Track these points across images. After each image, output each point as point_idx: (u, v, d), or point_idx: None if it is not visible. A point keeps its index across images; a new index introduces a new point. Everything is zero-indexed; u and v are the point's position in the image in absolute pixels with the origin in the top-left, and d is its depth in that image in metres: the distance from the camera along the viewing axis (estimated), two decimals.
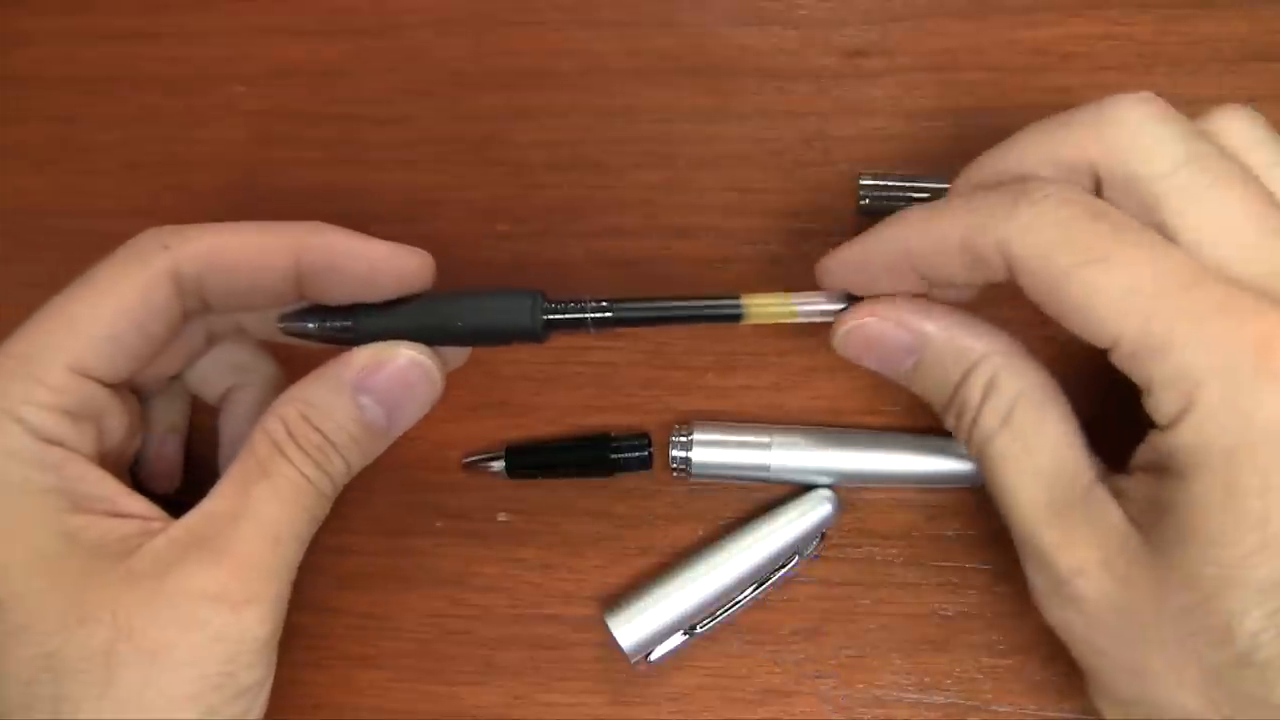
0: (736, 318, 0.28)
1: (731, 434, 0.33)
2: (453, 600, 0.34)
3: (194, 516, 0.26)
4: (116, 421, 0.28)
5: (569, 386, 0.35)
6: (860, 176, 0.34)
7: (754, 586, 0.32)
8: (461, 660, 0.33)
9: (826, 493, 0.32)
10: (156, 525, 0.26)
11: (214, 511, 0.26)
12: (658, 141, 0.36)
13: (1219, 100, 0.34)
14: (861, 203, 0.34)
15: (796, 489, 0.33)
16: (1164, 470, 0.24)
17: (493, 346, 0.31)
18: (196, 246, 0.27)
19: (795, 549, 0.32)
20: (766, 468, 0.32)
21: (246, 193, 0.38)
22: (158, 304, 0.27)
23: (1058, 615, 0.26)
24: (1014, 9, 0.36)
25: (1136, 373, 0.24)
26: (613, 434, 0.34)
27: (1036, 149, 0.26)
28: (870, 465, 0.32)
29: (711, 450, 0.32)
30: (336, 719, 0.33)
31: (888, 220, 0.27)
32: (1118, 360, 0.24)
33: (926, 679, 0.32)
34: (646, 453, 0.33)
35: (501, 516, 0.34)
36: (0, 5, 0.40)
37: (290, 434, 0.27)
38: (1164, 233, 0.24)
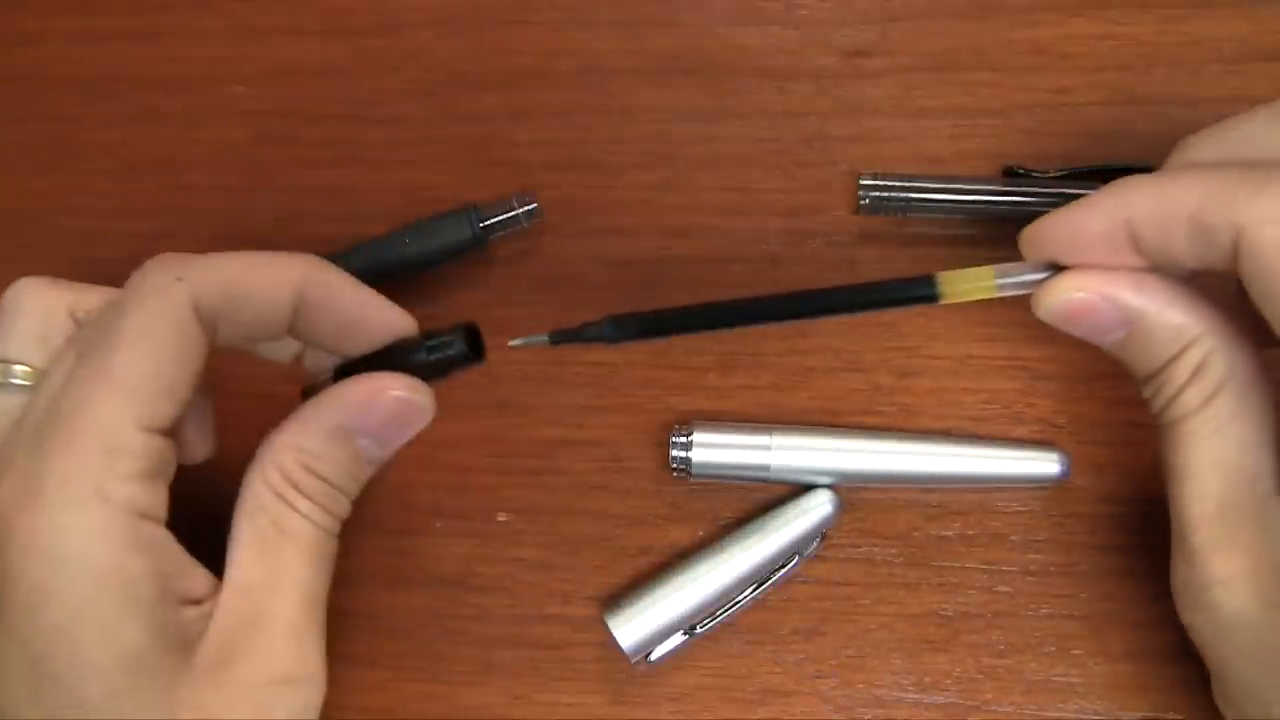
0: (933, 299, 0.27)
1: (731, 434, 0.32)
2: (452, 600, 0.34)
3: (232, 592, 0.26)
4: (174, 466, 0.27)
5: (569, 386, 0.35)
6: (860, 176, 0.34)
7: (754, 587, 0.32)
8: (461, 660, 0.33)
9: (827, 493, 0.32)
10: (208, 606, 0.26)
11: (249, 584, 0.26)
12: (657, 141, 0.36)
13: (1219, 100, 0.35)
14: (861, 203, 0.34)
15: (797, 489, 0.33)
16: None
17: (441, 265, 0.34)
18: (211, 276, 0.27)
19: (795, 549, 0.32)
20: (767, 468, 0.32)
21: (246, 193, 0.38)
22: (190, 338, 0.26)
23: (1189, 616, 0.26)
24: (1014, 9, 0.36)
25: None
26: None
27: (1269, 134, 0.25)
28: (871, 465, 0.32)
29: (712, 451, 0.32)
30: (336, 719, 0.33)
31: (1106, 188, 0.25)
32: None
33: (926, 679, 0.32)
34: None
35: (501, 516, 0.34)
36: (1, 5, 0.40)
37: (295, 485, 0.27)
38: None
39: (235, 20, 0.39)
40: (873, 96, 0.36)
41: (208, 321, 0.27)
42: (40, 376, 0.27)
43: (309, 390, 0.30)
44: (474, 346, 0.28)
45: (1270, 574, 0.24)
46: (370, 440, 0.28)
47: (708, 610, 0.32)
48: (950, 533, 0.33)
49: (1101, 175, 0.33)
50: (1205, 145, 0.26)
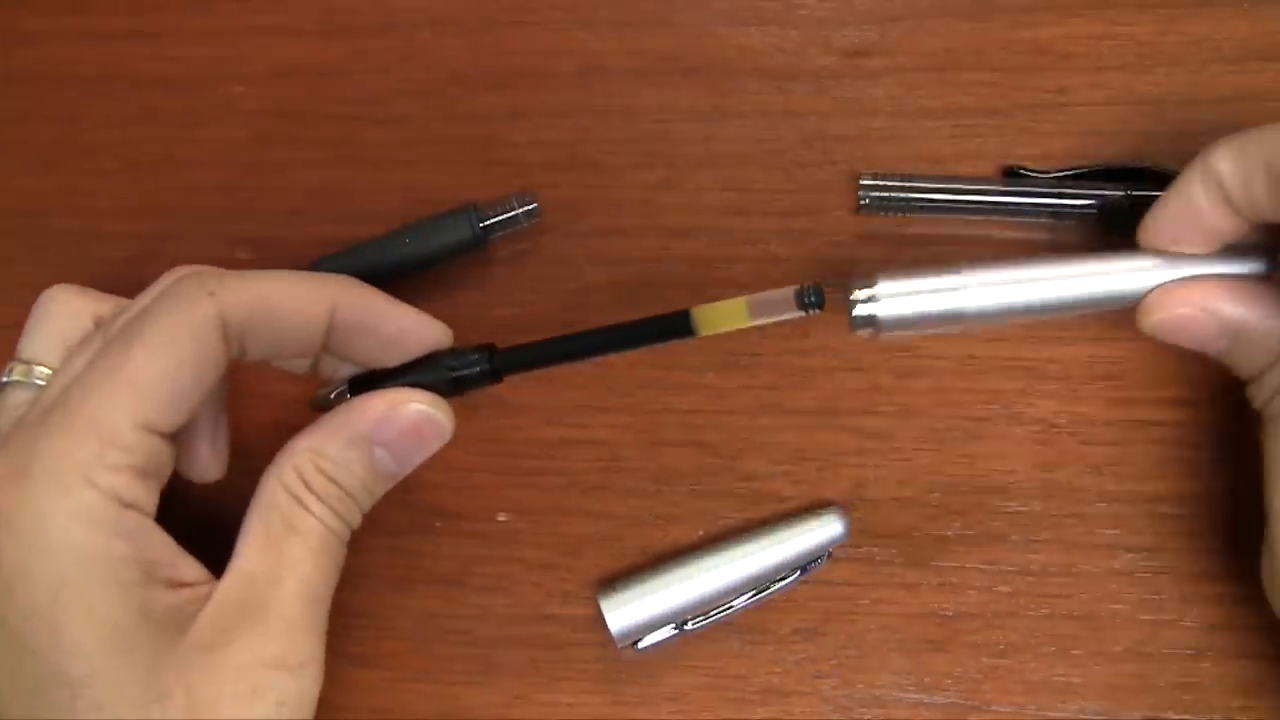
0: (689, 333, 0.28)
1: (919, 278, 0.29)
2: (451, 600, 0.34)
3: (234, 580, 0.27)
4: (169, 466, 0.28)
5: (569, 386, 0.35)
6: (860, 176, 0.34)
7: (751, 593, 0.32)
8: (460, 660, 0.33)
9: (836, 514, 0.32)
10: (204, 590, 0.26)
11: (252, 573, 0.27)
12: (657, 141, 0.36)
13: (1219, 100, 0.35)
14: (861, 203, 0.34)
15: (808, 507, 0.33)
16: None
17: (441, 265, 0.34)
18: (242, 294, 0.27)
19: (798, 564, 0.32)
20: (961, 314, 0.29)
21: (246, 193, 0.38)
22: (210, 352, 0.27)
23: (1275, 602, 0.27)
24: (1014, 9, 0.36)
25: None
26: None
27: None
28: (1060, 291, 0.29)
29: (904, 302, 0.29)
30: (336, 719, 0.33)
31: (1198, 156, 0.27)
32: None
33: (926, 679, 0.32)
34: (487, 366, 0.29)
35: (501, 516, 0.34)
36: (1, 5, 0.40)
37: (309, 487, 0.27)
38: None
39: (235, 20, 0.39)
40: (873, 96, 0.36)
41: (234, 338, 0.27)
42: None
43: (318, 402, 0.30)
44: (495, 367, 0.29)
45: None
46: (387, 453, 0.28)
47: (702, 608, 0.32)
48: (950, 533, 0.33)
49: (1102, 175, 0.33)
50: (1226, 155, 0.26)
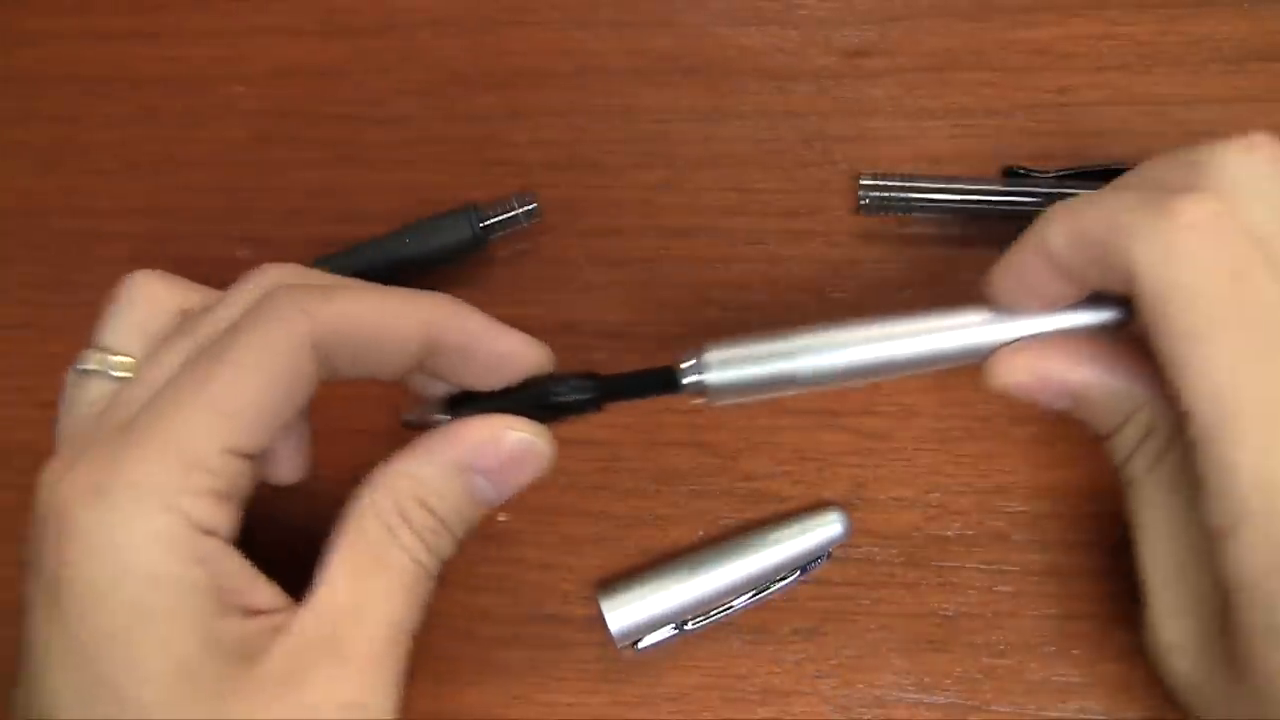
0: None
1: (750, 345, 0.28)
2: (452, 600, 0.34)
3: (314, 612, 0.25)
4: (250, 489, 0.27)
5: None
6: (860, 176, 0.34)
7: (751, 594, 0.32)
8: (460, 660, 0.33)
9: (837, 513, 0.32)
10: (279, 618, 0.25)
11: (334, 606, 0.25)
12: (656, 141, 0.36)
13: (1219, 100, 0.35)
14: (861, 203, 0.34)
15: (809, 507, 0.33)
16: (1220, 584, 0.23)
17: (441, 265, 0.34)
18: (335, 314, 0.26)
19: (798, 564, 0.32)
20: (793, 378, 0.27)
21: (246, 193, 0.38)
22: (301, 373, 0.26)
23: (1159, 675, 0.26)
24: (1014, 9, 0.36)
25: (1197, 456, 0.23)
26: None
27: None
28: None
29: (732, 369, 0.27)
30: None
31: (1036, 221, 0.25)
32: (1186, 430, 0.23)
33: (926, 679, 0.32)
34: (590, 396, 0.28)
35: (501, 517, 0.34)
36: (1, 5, 0.40)
37: (404, 517, 0.26)
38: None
39: (235, 20, 0.39)
40: (873, 96, 0.36)
41: (325, 359, 0.26)
42: (135, 369, 0.27)
43: (412, 422, 0.29)
44: (598, 395, 0.28)
45: (1215, 638, 0.24)
46: (486, 481, 0.27)
47: (702, 608, 0.32)
48: (950, 533, 0.33)
49: (1102, 175, 0.33)
50: (1058, 223, 0.25)
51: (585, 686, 0.33)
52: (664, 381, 0.28)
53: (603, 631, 0.32)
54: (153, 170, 0.38)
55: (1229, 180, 0.23)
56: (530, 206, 0.35)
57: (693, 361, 0.27)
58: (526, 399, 0.27)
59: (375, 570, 0.26)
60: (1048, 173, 0.34)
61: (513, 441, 0.27)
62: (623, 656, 0.32)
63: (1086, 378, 0.26)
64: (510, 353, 0.27)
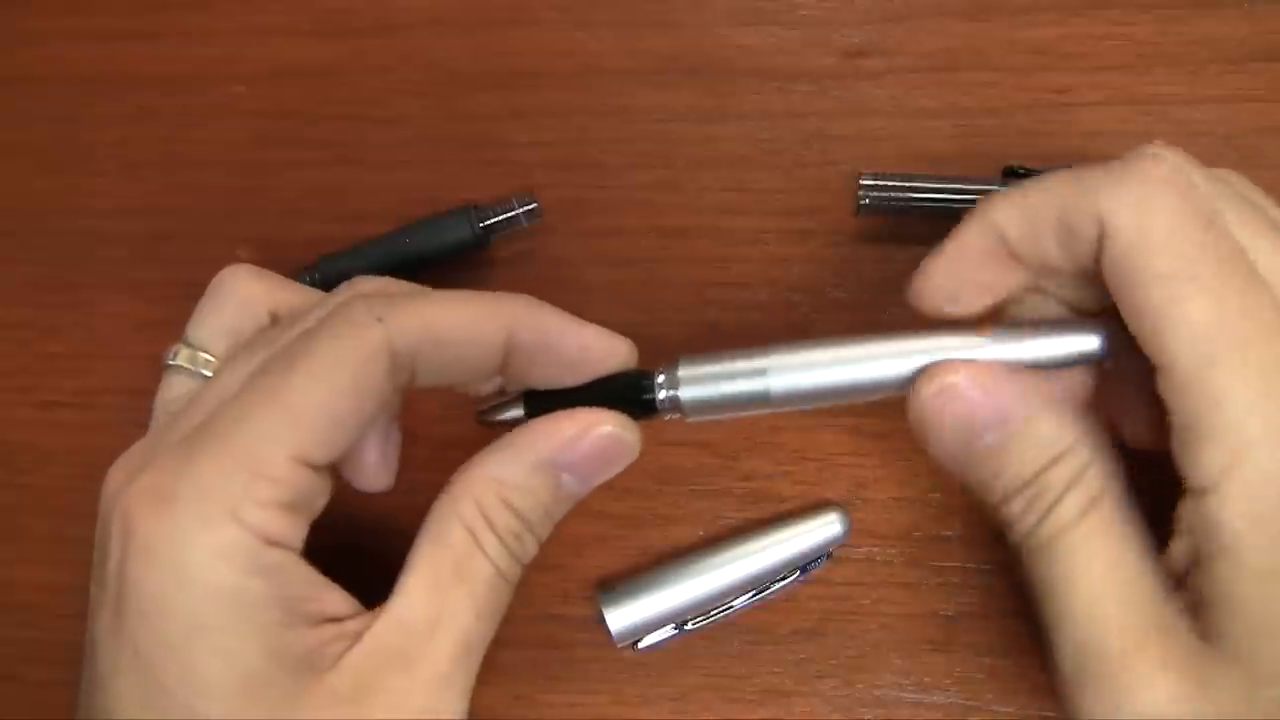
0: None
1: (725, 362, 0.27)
2: None
3: (388, 624, 0.25)
4: (323, 500, 0.26)
5: None
6: (860, 176, 0.34)
7: (751, 594, 0.32)
8: None
9: (837, 513, 0.32)
10: (351, 627, 0.25)
11: (409, 618, 0.25)
12: (656, 141, 0.36)
13: (1219, 100, 0.35)
14: (861, 203, 0.34)
15: (808, 507, 0.33)
16: (1199, 550, 0.22)
17: (441, 265, 0.34)
18: (412, 320, 0.25)
19: (798, 564, 0.32)
20: (766, 395, 0.27)
21: (246, 193, 0.38)
22: (374, 383, 0.25)
23: None
24: (1014, 9, 0.36)
25: (1181, 407, 0.22)
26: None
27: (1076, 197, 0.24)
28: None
29: (703, 386, 0.27)
30: None
31: (975, 209, 0.25)
32: (1164, 385, 0.22)
33: (926, 679, 0.32)
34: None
35: None
36: (1, 5, 0.40)
37: (489, 522, 0.26)
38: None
39: (235, 20, 0.39)
40: (873, 96, 0.36)
41: (403, 366, 0.26)
42: (216, 370, 0.27)
43: (487, 415, 0.28)
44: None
45: (1193, 672, 0.22)
46: (574, 477, 0.27)
47: (702, 608, 0.32)
48: (950, 533, 0.33)
49: None
50: (1008, 207, 0.25)
51: (585, 686, 0.33)
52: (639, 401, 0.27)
53: (603, 631, 0.32)
54: (153, 170, 0.38)
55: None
56: (530, 206, 0.35)
57: (665, 377, 0.27)
58: (612, 394, 0.27)
59: (454, 582, 0.25)
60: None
61: (600, 436, 0.26)
62: (623, 656, 0.32)
63: (1026, 407, 0.24)
64: (592, 346, 0.27)
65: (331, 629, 0.24)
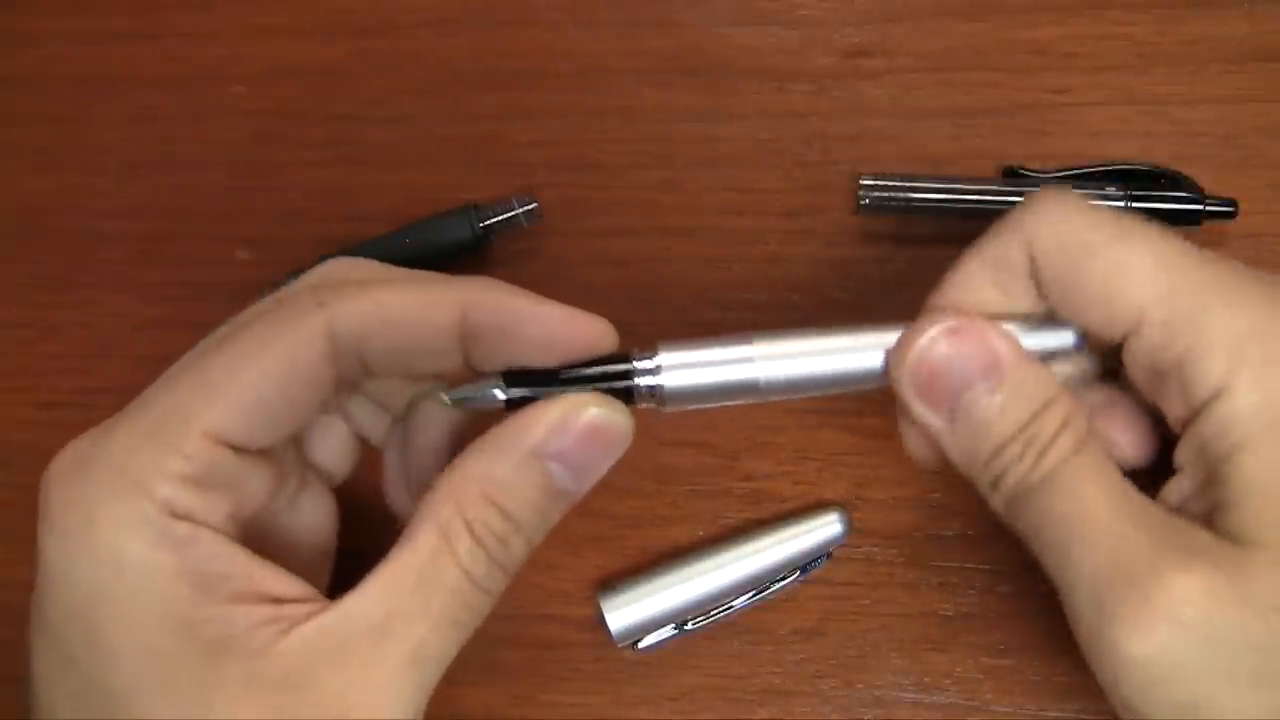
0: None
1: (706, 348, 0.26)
2: None
3: (338, 616, 0.23)
4: (257, 487, 0.25)
5: None
6: (860, 176, 0.34)
7: (751, 594, 0.32)
8: (462, 660, 0.33)
9: (837, 513, 0.32)
10: (290, 611, 0.23)
11: (357, 618, 0.23)
12: (657, 141, 0.36)
13: (1219, 100, 0.35)
14: (861, 203, 0.34)
15: (808, 507, 0.33)
16: (1212, 464, 0.23)
17: (441, 265, 0.30)
18: (356, 304, 0.24)
19: (798, 564, 0.32)
20: (755, 384, 0.26)
21: (246, 193, 0.38)
22: (306, 368, 0.24)
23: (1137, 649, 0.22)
24: (1014, 9, 0.36)
25: (1165, 348, 0.23)
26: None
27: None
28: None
29: (687, 373, 0.26)
30: None
31: (941, 281, 0.26)
32: (1140, 341, 0.24)
33: (926, 679, 0.32)
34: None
35: None
36: (1, 5, 0.40)
37: (466, 524, 0.24)
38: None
39: (235, 20, 0.39)
40: (873, 96, 0.36)
41: (348, 353, 0.25)
42: None
43: (459, 395, 0.26)
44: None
45: (1216, 570, 0.22)
46: (564, 467, 0.25)
47: (702, 608, 0.32)
48: (950, 533, 0.33)
49: (1101, 175, 0.33)
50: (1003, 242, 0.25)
51: (586, 686, 0.33)
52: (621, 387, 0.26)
53: (603, 631, 0.32)
54: (153, 170, 0.38)
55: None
56: (530, 206, 0.35)
57: (648, 364, 0.26)
58: (593, 378, 0.25)
59: (413, 589, 0.24)
60: (1048, 173, 0.34)
61: (589, 419, 0.25)
62: (623, 656, 0.32)
63: (1021, 355, 0.25)
64: (559, 328, 0.25)
65: (265, 610, 0.23)
